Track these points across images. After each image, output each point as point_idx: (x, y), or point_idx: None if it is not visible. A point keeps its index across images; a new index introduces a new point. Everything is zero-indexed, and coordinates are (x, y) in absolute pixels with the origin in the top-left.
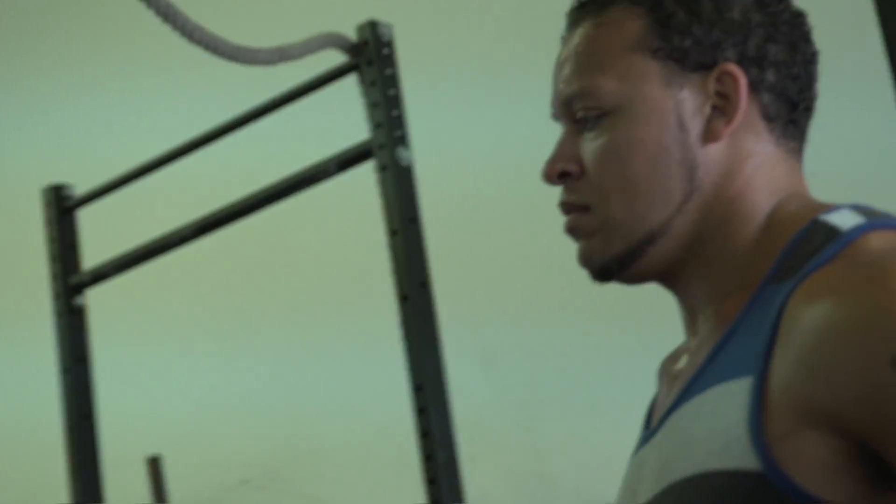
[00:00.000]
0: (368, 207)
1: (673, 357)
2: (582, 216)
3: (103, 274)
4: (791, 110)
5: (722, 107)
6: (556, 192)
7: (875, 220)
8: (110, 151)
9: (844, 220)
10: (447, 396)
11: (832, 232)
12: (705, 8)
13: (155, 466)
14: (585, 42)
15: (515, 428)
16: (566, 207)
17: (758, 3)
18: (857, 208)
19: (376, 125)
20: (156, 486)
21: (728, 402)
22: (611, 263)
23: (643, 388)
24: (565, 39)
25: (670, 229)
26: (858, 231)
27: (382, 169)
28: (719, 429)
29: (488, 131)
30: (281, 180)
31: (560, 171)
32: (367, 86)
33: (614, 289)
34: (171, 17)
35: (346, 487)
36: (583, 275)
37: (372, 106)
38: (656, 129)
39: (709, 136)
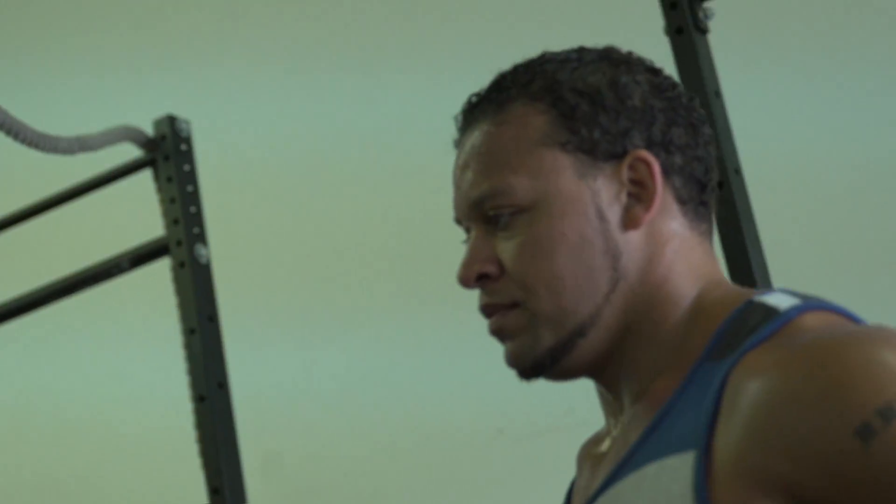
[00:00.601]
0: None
1: (593, 441)
2: (508, 314)
3: None
4: (701, 191)
5: (637, 193)
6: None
7: (810, 302)
8: None
9: (780, 300)
10: (245, 501)
11: (770, 311)
12: (607, 97)
13: None
14: (489, 142)
15: None
16: (490, 309)
17: (654, 89)
18: (789, 292)
19: (173, 221)
20: None
21: (669, 476)
22: (543, 358)
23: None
24: (461, 142)
25: (600, 320)
26: (796, 311)
27: (180, 266)
28: (661, 502)
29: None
30: (69, 276)
31: (478, 274)
32: (164, 181)
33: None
34: None
35: None
36: (368, 376)
37: (169, 202)
38: (576, 221)
39: (629, 223)
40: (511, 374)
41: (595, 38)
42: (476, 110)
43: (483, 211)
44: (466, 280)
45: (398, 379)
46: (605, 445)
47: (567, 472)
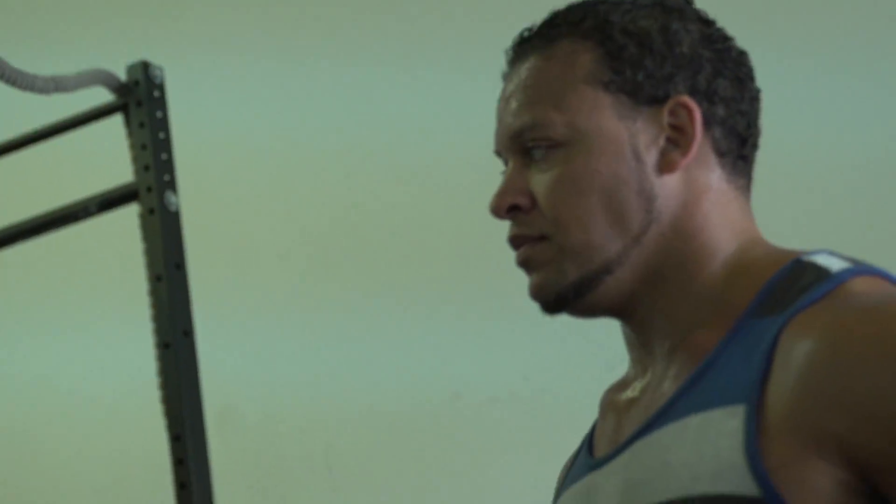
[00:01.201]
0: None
1: (618, 387)
2: (535, 245)
3: None
4: (741, 145)
5: (676, 139)
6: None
7: (861, 266)
8: None
9: (830, 262)
10: (207, 448)
11: (822, 272)
12: (656, 42)
13: None
14: (535, 75)
15: (250, 492)
16: (518, 240)
17: (705, 39)
18: (834, 253)
19: (144, 168)
20: None
21: (716, 428)
22: (567, 291)
23: (382, 462)
24: (508, 75)
25: (628, 259)
26: (848, 273)
27: (149, 213)
28: (707, 454)
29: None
30: (34, 217)
31: (510, 205)
32: (136, 127)
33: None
34: None
35: None
36: (326, 338)
37: (140, 148)
38: (612, 159)
39: (665, 166)
40: (466, 340)
41: None
42: (526, 45)
43: (521, 143)
44: (498, 210)
45: (355, 340)
46: (634, 391)
47: (523, 438)
